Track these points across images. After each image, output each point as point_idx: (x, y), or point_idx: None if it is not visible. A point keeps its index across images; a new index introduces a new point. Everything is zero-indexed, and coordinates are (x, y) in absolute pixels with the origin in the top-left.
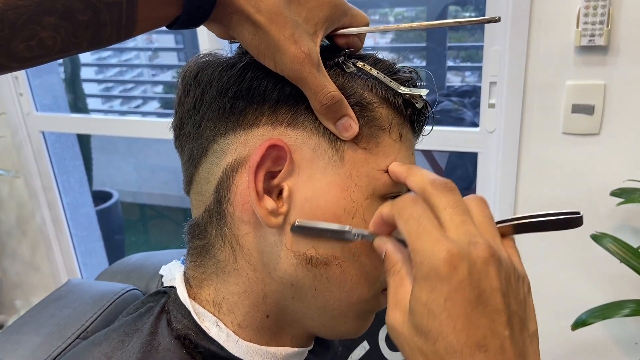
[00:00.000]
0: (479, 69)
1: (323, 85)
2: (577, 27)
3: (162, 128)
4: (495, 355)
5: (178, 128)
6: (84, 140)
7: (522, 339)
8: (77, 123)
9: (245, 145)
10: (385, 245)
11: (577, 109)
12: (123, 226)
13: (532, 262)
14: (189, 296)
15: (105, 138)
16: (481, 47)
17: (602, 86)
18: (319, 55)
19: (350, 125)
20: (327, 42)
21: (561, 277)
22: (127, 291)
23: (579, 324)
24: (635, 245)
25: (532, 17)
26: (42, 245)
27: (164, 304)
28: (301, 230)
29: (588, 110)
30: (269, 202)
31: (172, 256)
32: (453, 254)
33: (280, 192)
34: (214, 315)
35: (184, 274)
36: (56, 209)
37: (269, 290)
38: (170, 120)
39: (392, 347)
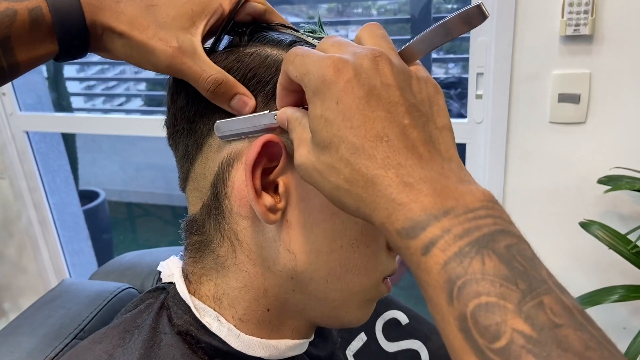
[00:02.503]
0: (463, 60)
1: (202, 71)
2: (562, 17)
3: (148, 125)
4: (397, 143)
5: (172, 125)
6: (68, 140)
7: (428, 130)
8: (62, 122)
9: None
10: (286, 111)
11: (563, 98)
12: (110, 225)
13: None
14: (189, 292)
15: (88, 136)
16: (466, 39)
17: (587, 75)
18: (197, 44)
19: (245, 102)
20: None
21: (550, 265)
22: (123, 290)
23: None
24: (622, 232)
25: (517, 7)
26: (29, 246)
27: (164, 300)
28: (226, 136)
29: (574, 99)
30: (267, 199)
31: (166, 254)
32: (336, 60)
33: (276, 188)
34: (215, 310)
35: (183, 270)
36: (42, 210)
37: (269, 284)
38: (154, 117)
39: (390, 337)
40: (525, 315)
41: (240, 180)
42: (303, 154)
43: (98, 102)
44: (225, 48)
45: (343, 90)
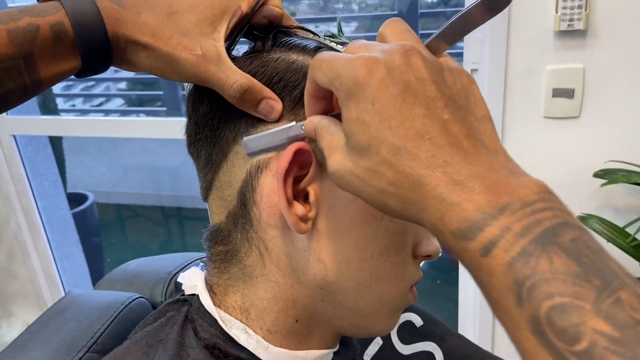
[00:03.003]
0: (458, 55)
1: (227, 78)
2: (556, 12)
3: (137, 127)
4: (440, 139)
5: (193, 133)
6: (55, 142)
7: (469, 123)
8: (49, 125)
9: None
10: (313, 119)
11: (557, 93)
12: (100, 228)
13: None
14: (214, 304)
15: (74, 138)
16: None
17: (581, 70)
18: (221, 49)
19: (272, 106)
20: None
21: None
22: (134, 300)
23: None
24: (619, 225)
25: (512, 3)
26: (18, 251)
27: (187, 313)
28: (254, 153)
29: (568, 94)
30: (299, 208)
31: (172, 261)
32: (367, 59)
33: (306, 196)
34: (242, 322)
35: (206, 281)
36: (31, 214)
37: (299, 294)
38: (144, 118)
39: (405, 340)
40: (604, 315)
41: (269, 188)
42: (338, 160)
43: (77, 102)
44: (247, 53)
45: (377, 89)
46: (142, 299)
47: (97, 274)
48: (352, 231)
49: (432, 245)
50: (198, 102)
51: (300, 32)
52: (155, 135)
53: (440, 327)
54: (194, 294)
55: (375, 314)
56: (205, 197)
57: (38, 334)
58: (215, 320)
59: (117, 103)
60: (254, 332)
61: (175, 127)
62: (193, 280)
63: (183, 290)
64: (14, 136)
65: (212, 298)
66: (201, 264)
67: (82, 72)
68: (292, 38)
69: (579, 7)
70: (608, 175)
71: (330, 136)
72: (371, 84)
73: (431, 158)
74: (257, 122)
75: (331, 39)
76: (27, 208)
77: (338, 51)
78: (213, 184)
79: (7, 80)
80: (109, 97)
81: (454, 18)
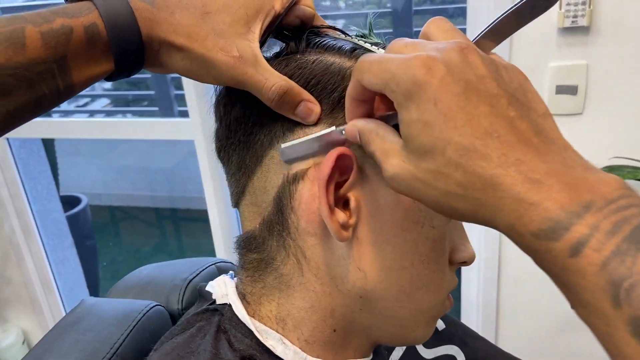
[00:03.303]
0: None
1: (264, 81)
2: (560, 9)
3: (133, 128)
4: (509, 137)
5: (225, 138)
6: (47, 145)
7: (533, 119)
8: (42, 127)
9: None
10: (356, 123)
11: (560, 89)
12: (93, 231)
13: None
14: (248, 313)
15: (66, 140)
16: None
17: (584, 66)
18: (257, 50)
19: (310, 108)
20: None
21: None
22: (151, 308)
23: None
24: None
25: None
26: (12, 255)
27: (219, 323)
28: (292, 160)
29: (571, 90)
30: (341, 216)
31: (186, 266)
32: (424, 58)
33: (345, 203)
34: (278, 332)
35: (239, 290)
36: (25, 218)
37: (337, 303)
38: (137, 119)
39: (427, 344)
40: None
41: (308, 194)
42: (396, 163)
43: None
44: (279, 55)
45: (439, 89)
46: (160, 306)
47: (92, 278)
48: (392, 239)
49: (468, 251)
50: (230, 105)
51: (331, 32)
52: (150, 137)
53: (462, 330)
54: (225, 304)
55: (414, 323)
56: (237, 204)
57: (56, 345)
58: (250, 330)
59: (102, 103)
60: (290, 342)
61: (169, 127)
62: (223, 289)
63: (213, 300)
64: (7, 139)
65: (245, 307)
66: (230, 272)
67: (114, 75)
68: (325, 39)
69: (583, 3)
70: (614, 172)
71: (380, 140)
72: (432, 83)
73: (502, 157)
74: (294, 125)
75: (363, 39)
76: (21, 211)
77: (372, 52)
78: (246, 190)
79: (40, 85)
80: (94, 97)
81: (502, 16)
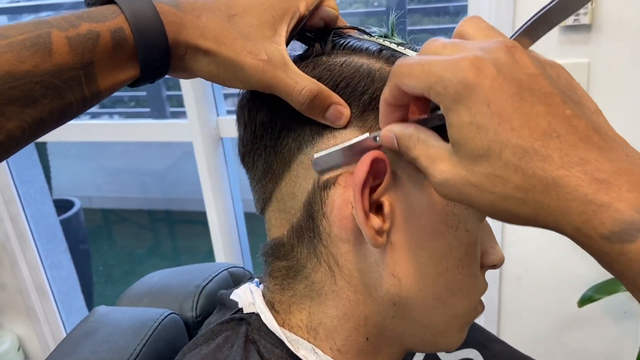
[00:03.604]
0: None
1: (294, 84)
2: None
3: (128, 130)
4: (569, 136)
5: (250, 143)
6: (40, 148)
7: (588, 116)
8: None
9: None
10: (392, 129)
11: None
12: (87, 234)
13: (524, 241)
14: (277, 323)
15: (56, 142)
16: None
17: (586, 64)
18: (285, 53)
19: (340, 111)
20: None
21: (552, 255)
22: (166, 316)
23: (585, 300)
24: None
25: None
26: (6, 261)
27: (247, 333)
28: (325, 170)
29: None
30: (376, 221)
31: (198, 272)
32: (473, 59)
33: (378, 208)
34: (309, 342)
35: (266, 299)
36: (19, 223)
37: (370, 311)
38: (131, 121)
39: None
40: None
41: (340, 200)
42: (446, 169)
43: None
44: (304, 57)
45: (491, 90)
46: (174, 314)
47: (86, 282)
48: (427, 243)
49: (498, 254)
50: (255, 110)
51: (353, 32)
52: (147, 139)
53: (480, 333)
54: (252, 313)
55: (448, 329)
56: (262, 210)
57: (71, 357)
58: (281, 340)
59: None
60: (323, 352)
61: (167, 129)
62: (250, 298)
63: (238, 308)
64: None
65: (274, 317)
66: (256, 279)
67: (139, 82)
68: (350, 40)
69: None
70: None
71: (423, 145)
72: (484, 84)
73: (565, 157)
74: (323, 128)
75: (386, 39)
76: (14, 216)
77: (399, 52)
78: (273, 196)
79: (67, 93)
80: None
81: (539, 12)
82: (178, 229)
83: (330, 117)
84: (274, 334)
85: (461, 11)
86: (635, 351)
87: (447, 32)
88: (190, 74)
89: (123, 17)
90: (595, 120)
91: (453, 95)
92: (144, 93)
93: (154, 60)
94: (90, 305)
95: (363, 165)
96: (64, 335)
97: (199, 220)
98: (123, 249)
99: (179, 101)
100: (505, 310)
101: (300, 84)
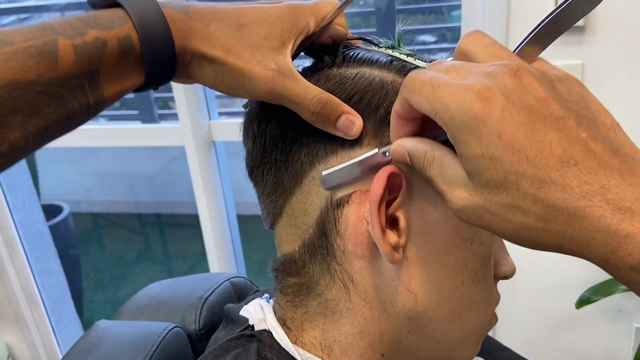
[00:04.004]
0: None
1: (305, 93)
2: None
3: (120, 134)
4: (587, 162)
5: (259, 157)
6: None
7: (604, 135)
8: None
9: None
10: (404, 144)
11: None
12: (76, 240)
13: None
14: (290, 340)
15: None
16: (458, 32)
17: (579, 66)
18: (292, 66)
19: (352, 121)
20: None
21: (546, 256)
22: (170, 330)
23: (583, 301)
24: None
25: (510, 0)
26: None
27: (258, 351)
28: (334, 187)
29: None
30: (392, 237)
31: (200, 283)
32: (480, 89)
33: (393, 223)
34: None
35: (277, 315)
36: (8, 229)
37: (385, 327)
38: (120, 125)
39: None
40: None
41: (355, 217)
42: (463, 197)
43: None
44: (314, 69)
45: (501, 121)
46: (178, 328)
47: (76, 289)
48: (443, 257)
49: (509, 264)
50: (265, 122)
51: (358, 42)
52: (139, 143)
53: (487, 341)
54: (262, 330)
55: (463, 343)
56: (272, 225)
57: None
58: (294, 358)
59: None
60: None
61: (158, 133)
62: (260, 314)
63: (247, 325)
64: None
65: (286, 334)
66: (265, 294)
67: (143, 88)
68: (359, 51)
69: None
70: None
71: (439, 165)
72: (493, 116)
73: (584, 185)
74: (338, 146)
75: (394, 50)
76: (3, 223)
77: (409, 63)
78: (284, 211)
79: (71, 101)
80: None
81: (548, 18)
82: (168, 232)
83: (342, 126)
84: (287, 352)
85: (453, 9)
86: (630, 350)
87: (437, 31)
88: (193, 81)
89: (131, 24)
90: (612, 138)
91: (460, 127)
92: (131, 95)
93: (160, 68)
94: (80, 311)
95: (380, 181)
96: (55, 343)
97: (189, 223)
98: (113, 254)
99: (164, 102)
100: (499, 310)
101: (311, 93)
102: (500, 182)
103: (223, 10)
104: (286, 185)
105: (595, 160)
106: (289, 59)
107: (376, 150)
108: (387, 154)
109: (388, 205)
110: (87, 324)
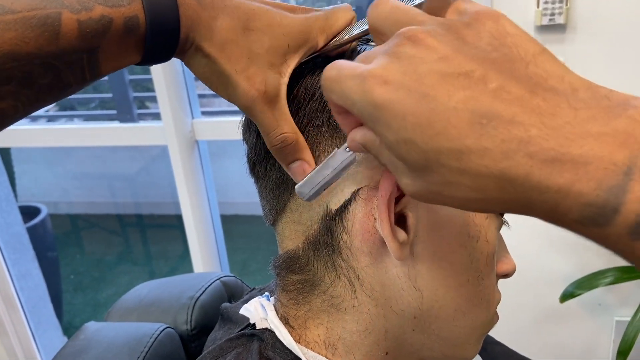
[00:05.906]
0: None
1: (275, 126)
2: (538, 7)
3: (102, 134)
4: (501, 117)
5: (263, 151)
6: (3, 153)
7: (521, 73)
8: (3, 136)
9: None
10: (354, 136)
11: None
12: (55, 242)
13: (502, 235)
14: (293, 338)
15: (19, 147)
16: None
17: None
18: (283, 88)
19: (304, 170)
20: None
21: (527, 249)
22: (162, 331)
23: (567, 296)
24: None
25: None
26: None
27: (260, 350)
28: (313, 197)
29: None
30: (401, 234)
31: (190, 283)
32: (376, 74)
33: (400, 219)
34: (327, 358)
35: (279, 313)
36: None
37: (390, 325)
38: (98, 125)
39: None
40: None
41: (362, 213)
42: (409, 183)
43: None
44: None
45: (401, 101)
46: (170, 329)
47: (55, 291)
48: (449, 255)
49: (510, 262)
50: None
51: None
52: (120, 143)
53: None
54: (264, 329)
55: (467, 341)
56: (274, 221)
57: None
58: (297, 357)
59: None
60: None
61: (140, 133)
62: (261, 312)
63: (248, 324)
64: None
65: (290, 332)
66: (266, 293)
67: (137, 65)
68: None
69: (560, 1)
70: None
71: (388, 152)
72: (392, 99)
73: (502, 144)
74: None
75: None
76: None
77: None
78: (287, 207)
79: (67, 75)
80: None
81: None
82: (149, 233)
83: (292, 170)
84: (290, 351)
85: None
86: (610, 343)
87: None
88: (183, 62)
89: (140, 5)
90: (532, 73)
91: (370, 119)
92: (109, 95)
93: (160, 52)
94: (60, 315)
95: (389, 179)
96: (34, 347)
97: (171, 224)
98: (93, 256)
99: (141, 102)
100: None
101: (281, 129)
102: (424, 162)
103: (236, 6)
104: (290, 180)
105: (509, 110)
106: (285, 79)
107: (336, 149)
108: (347, 149)
109: (396, 202)
110: (66, 328)
